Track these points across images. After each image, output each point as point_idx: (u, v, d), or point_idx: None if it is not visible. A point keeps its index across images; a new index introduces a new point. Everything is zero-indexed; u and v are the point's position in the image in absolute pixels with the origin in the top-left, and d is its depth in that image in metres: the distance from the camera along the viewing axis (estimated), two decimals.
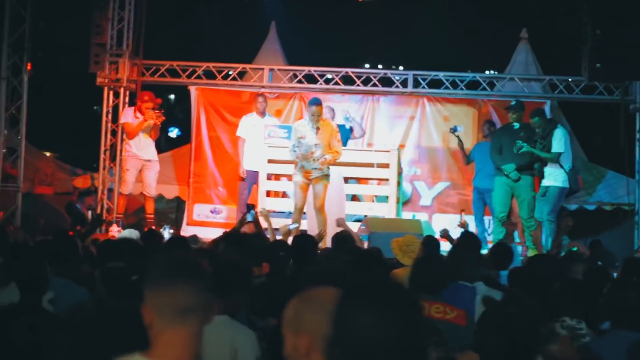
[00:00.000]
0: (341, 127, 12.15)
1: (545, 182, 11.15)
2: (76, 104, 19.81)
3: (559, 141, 10.94)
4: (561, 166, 11.00)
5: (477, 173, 12.67)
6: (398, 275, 6.17)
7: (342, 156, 10.62)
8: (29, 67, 12.49)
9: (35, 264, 4.45)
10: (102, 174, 14.46)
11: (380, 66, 17.75)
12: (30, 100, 12.89)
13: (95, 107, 25.64)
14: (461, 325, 3.83)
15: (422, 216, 13.56)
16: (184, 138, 16.00)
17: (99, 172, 14.70)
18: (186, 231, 12.98)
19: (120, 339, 3.01)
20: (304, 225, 10.89)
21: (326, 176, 10.51)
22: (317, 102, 10.52)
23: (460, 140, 12.72)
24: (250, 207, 9.27)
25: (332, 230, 9.28)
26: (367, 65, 18.09)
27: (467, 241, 7.59)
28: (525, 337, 2.85)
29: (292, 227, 9.13)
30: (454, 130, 12.69)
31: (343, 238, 7.89)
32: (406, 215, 13.09)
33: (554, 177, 11.06)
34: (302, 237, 7.50)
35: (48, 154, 16.85)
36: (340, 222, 9.48)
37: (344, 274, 4.01)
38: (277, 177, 12.37)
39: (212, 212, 14.34)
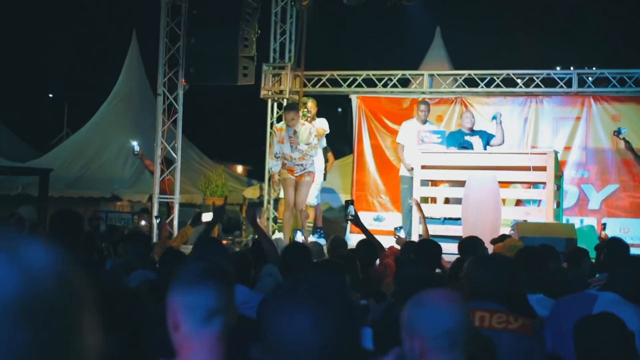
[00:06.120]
0: (482, 132, 11.91)
1: None
2: (246, 117, 20.42)
3: None
4: None
5: None
6: None
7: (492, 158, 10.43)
8: (183, 82, 13.07)
9: None
10: (267, 185, 14.77)
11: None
12: (198, 114, 13.50)
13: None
14: (526, 335, 3.65)
15: (590, 220, 13.10)
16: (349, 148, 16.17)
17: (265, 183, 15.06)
18: (350, 239, 13.02)
19: None
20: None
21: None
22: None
23: (627, 142, 12.15)
24: (349, 202, 8.60)
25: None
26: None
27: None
28: None
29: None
30: (617, 133, 12.20)
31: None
32: (574, 220, 12.58)
33: None
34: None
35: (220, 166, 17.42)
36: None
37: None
38: (434, 183, 12.22)
39: (375, 219, 14.36)
